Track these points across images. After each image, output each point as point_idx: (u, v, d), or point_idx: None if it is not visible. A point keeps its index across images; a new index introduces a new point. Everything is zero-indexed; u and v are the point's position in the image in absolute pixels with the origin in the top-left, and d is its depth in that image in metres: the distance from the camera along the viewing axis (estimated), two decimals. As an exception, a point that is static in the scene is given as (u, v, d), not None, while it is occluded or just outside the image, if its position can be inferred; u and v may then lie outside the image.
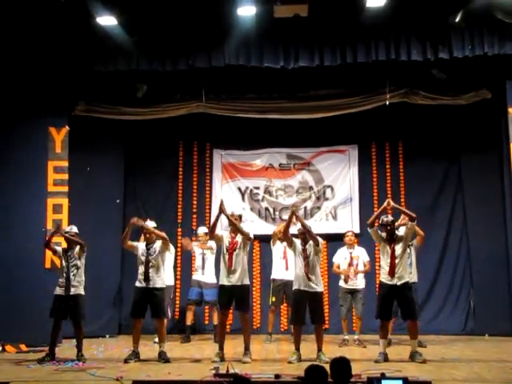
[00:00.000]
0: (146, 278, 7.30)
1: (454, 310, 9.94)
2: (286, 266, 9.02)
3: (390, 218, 7.31)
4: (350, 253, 8.72)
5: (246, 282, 7.24)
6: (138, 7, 8.13)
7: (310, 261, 7.17)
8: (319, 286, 7.22)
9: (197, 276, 9.21)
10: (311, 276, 7.12)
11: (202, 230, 9.38)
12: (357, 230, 9.94)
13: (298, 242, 7.36)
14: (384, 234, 7.23)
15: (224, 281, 7.21)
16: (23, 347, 8.11)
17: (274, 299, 9.12)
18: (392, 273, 7.07)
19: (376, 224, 7.26)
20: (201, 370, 6.38)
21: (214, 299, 8.88)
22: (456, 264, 10.11)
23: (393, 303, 7.18)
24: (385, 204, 7.41)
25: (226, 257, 7.22)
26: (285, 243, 9.00)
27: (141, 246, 7.53)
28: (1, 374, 6.47)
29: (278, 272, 9.10)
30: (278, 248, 9.14)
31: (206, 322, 9.94)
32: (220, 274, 7.33)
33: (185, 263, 10.29)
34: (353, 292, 8.66)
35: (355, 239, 9.09)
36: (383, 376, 5.07)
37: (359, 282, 8.70)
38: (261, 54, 8.50)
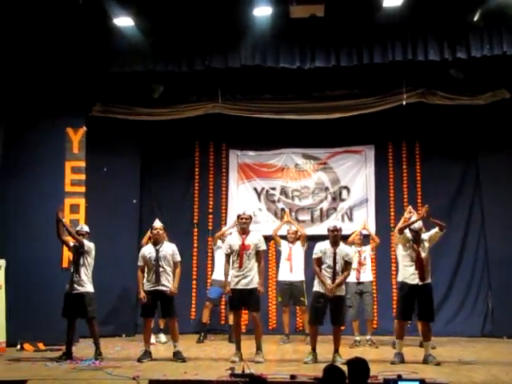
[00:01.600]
0: (157, 281, 7.33)
1: (471, 312, 9.86)
2: (290, 267, 9.04)
3: (421, 223, 7.28)
4: (359, 251, 8.78)
5: (257, 284, 7.20)
6: (155, 8, 8.16)
7: (338, 267, 7.15)
8: (342, 289, 7.21)
9: (220, 276, 9.18)
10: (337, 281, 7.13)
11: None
12: (373, 231, 9.91)
13: (327, 244, 7.29)
14: (411, 237, 7.21)
15: (235, 284, 7.19)
16: (41, 346, 8.18)
17: (280, 299, 9.21)
18: (421, 275, 7.04)
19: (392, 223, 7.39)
20: (217, 369, 6.40)
21: None
22: (474, 266, 10.03)
23: (414, 303, 7.14)
24: (422, 215, 7.33)
25: (237, 259, 7.20)
26: (291, 245, 9.03)
27: (148, 248, 7.55)
28: (19, 371, 6.54)
29: (283, 274, 9.14)
30: (284, 249, 9.17)
31: (222, 322, 9.93)
32: (230, 276, 7.28)
33: (200, 263, 10.31)
34: (362, 293, 8.65)
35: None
36: (400, 378, 5.05)
37: (367, 275, 8.76)
38: (277, 55, 8.48)
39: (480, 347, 8.55)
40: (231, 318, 9.03)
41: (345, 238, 9.53)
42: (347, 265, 7.28)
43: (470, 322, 9.80)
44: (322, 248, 7.28)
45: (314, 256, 7.32)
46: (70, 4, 7.81)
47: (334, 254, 7.18)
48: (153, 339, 8.38)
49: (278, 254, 10.02)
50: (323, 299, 7.14)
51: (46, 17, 8.17)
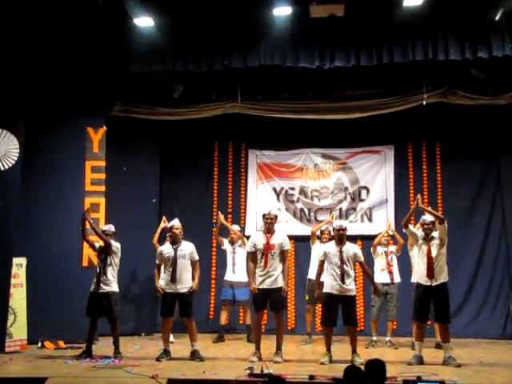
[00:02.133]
0: (174, 280, 7.35)
1: (492, 314, 9.75)
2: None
3: (430, 217, 7.23)
4: (385, 251, 8.74)
5: (281, 284, 7.22)
6: (175, 8, 8.19)
7: (346, 266, 7.13)
8: (352, 289, 7.18)
9: (228, 276, 9.23)
10: (346, 280, 7.10)
11: (236, 227, 9.55)
12: (391, 232, 9.88)
13: (332, 244, 7.34)
14: (422, 233, 7.19)
15: (259, 284, 7.20)
16: (61, 344, 8.27)
17: (307, 298, 9.17)
18: (430, 273, 7.00)
19: (412, 222, 7.35)
20: (235, 369, 6.41)
21: (246, 299, 8.89)
22: (494, 267, 9.93)
23: (429, 304, 7.10)
24: (415, 204, 7.36)
25: (262, 258, 7.21)
26: (323, 245, 8.98)
27: (166, 246, 7.59)
28: (39, 369, 6.60)
29: (313, 272, 9.08)
30: (316, 248, 9.14)
31: (241, 322, 9.94)
32: (256, 277, 7.28)
33: (219, 262, 10.33)
34: (387, 294, 8.59)
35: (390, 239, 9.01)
36: (419, 379, 5.02)
37: (396, 276, 8.72)
38: (296, 54, 8.46)
39: (501, 349, 8.45)
40: (248, 317, 9.07)
41: (362, 239, 9.58)
42: (362, 266, 7.35)
43: (490, 324, 9.70)
44: (326, 250, 7.33)
45: (318, 258, 7.47)
46: (90, 4, 7.87)
47: (340, 252, 7.17)
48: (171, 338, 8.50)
49: (299, 254, 10.02)
50: (333, 300, 7.14)
51: (67, 17, 8.23)
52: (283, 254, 7.27)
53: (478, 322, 9.70)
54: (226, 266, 9.36)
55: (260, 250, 7.22)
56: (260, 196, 10.54)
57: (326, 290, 7.22)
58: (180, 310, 7.46)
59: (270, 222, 7.33)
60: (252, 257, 7.33)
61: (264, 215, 7.43)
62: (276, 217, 7.49)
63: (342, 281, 7.08)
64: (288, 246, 7.39)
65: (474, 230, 9.99)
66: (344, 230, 7.27)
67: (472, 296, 9.86)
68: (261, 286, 7.17)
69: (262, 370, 5.91)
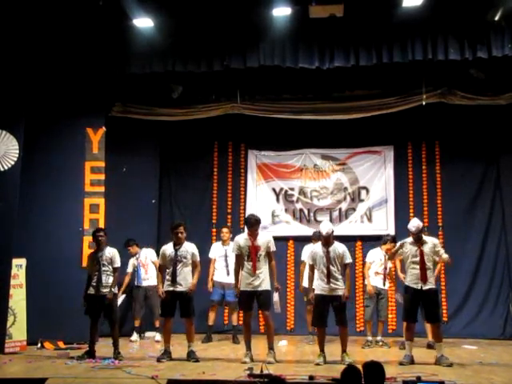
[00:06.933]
0: (174, 280, 7.36)
1: (492, 314, 9.73)
2: None
3: (416, 224, 7.18)
4: (385, 255, 8.65)
5: (269, 287, 7.23)
6: (174, 9, 8.18)
7: (333, 266, 7.13)
8: (340, 289, 7.16)
9: (219, 277, 9.15)
10: (333, 280, 7.10)
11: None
12: (392, 232, 9.86)
13: (318, 246, 7.34)
14: (411, 239, 7.20)
15: (246, 286, 7.19)
16: (61, 344, 8.26)
17: (305, 299, 9.13)
18: (423, 277, 7.03)
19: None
20: (235, 370, 6.42)
21: (235, 300, 8.89)
22: (494, 268, 9.91)
23: (418, 306, 7.19)
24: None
25: (249, 261, 7.19)
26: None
27: (168, 247, 7.59)
28: (39, 370, 6.61)
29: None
30: (306, 251, 9.18)
31: (240, 323, 9.92)
32: (242, 278, 7.27)
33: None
34: (379, 294, 8.60)
35: None
36: (419, 379, 5.02)
37: (386, 284, 8.72)
38: (296, 55, 8.44)
39: (500, 350, 8.44)
40: (234, 318, 9.07)
41: (362, 239, 9.59)
42: (346, 268, 7.31)
43: (490, 324, 9.68)
44: (313, 252, 7.37)
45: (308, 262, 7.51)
46: (90, 5, 7.87)
47: (327, 253, 7.17)
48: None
49: (298, 254, 9.96)
50: (323, 301, 7.15)
51: (66, 18, 8.21)
52: (269, 256, 7.29)
53: (477, 322, 9.69)
54: (215, 268, 9.22)
55: (246, 253, 7.22)
56: (259, 196, 10.52)
57: (315, 291, 7.25)
58: (180, 311, 7.47)
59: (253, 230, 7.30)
60: (237, 259, 7.34)
61: (246, 222, 7.40)
62: (259, 221, 7.40)
63: (329, 281, 7.09)
64: (274, 247, 7.36)
65: (474, 229, 9.98)
66: (329, 236, 7.21)
67: (472, 296, 9.84)
68: (248, 289, 7.16)
69: (261, 371, 5.91)
